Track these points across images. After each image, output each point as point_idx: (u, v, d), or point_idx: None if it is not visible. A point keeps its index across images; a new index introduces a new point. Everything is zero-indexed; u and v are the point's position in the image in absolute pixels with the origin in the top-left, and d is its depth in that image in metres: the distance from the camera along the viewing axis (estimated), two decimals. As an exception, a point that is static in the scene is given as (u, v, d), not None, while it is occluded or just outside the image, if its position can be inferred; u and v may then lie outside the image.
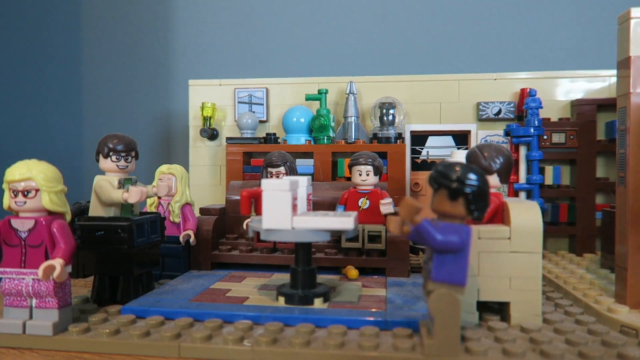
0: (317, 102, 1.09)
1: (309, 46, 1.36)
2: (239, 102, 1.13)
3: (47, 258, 0.56)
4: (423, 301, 0.66)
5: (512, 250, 0.61)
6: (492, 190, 0.68)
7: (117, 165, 0.69)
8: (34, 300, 0.57)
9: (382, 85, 1.10)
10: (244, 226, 0.89)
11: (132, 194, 0.66)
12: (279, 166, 0.86)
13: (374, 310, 0.62)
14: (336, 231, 0.61)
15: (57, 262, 0.55)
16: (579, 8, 1.26)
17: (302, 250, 0.67)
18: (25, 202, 0.56)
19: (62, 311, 0.58)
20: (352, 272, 0.79)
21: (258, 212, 0.68)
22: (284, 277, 0.80)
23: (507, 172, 0.67)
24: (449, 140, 1.11)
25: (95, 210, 0.68)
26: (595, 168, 0.99)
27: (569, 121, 1.01)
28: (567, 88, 1.05)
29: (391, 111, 1.04)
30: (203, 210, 0.92)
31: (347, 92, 1.06)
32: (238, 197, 0.96)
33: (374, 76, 1.11)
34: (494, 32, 1.29)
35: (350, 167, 0.87)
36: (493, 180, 0.67)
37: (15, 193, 0.56)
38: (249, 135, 1.08)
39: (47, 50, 1.52)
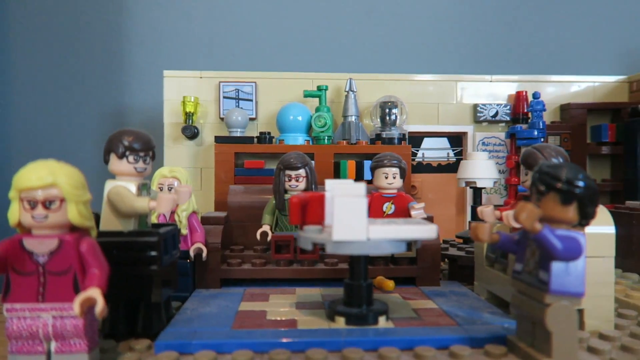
0: (312, 100, 1.02)
1: (301, 39, 1.27)
2: (224, 98, 1.01)
3: (76, 288, 0.43)
4: (487, 313, 0.62)
5: (586, 256, 0.59)
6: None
7: (135, 168, 0.56)
8: (53, 344, 0.44)
9: (378, 83, 1.06)
10: (258, 236, 0.79)
11: (163, 203, 0.54)
12: (298, 168, 0.77)
13: (449, 326, 0.57)
14: (414, 241, 0.55)
15: (96, 293, 0.42)
16: (571, 15, 1.31)
17: (360, 263, 0.59)
18: (46, 216, 0.42)
19: (92, 355, 0.45)
20: (388, 283, 0.73)
21: (308, 220, 0.59)
22: (309, 292, 0.72)
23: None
24: (444, 142, 1.09)
25: (109, 223, 0.55)
26: (586, 170, 1.03)
27: (562, 124, 1.04)
28: (555, 92, 1.08)
29: (394, 111, 0.99)
30: (203, 220, 0.80)
31: (347, 89, 1.00)
32: (241, 203, 0.86)
33: (370, 74, 1.06)
34: (489, 34, 1.30)
35: (373, 169, 0.80)
36: (551, 182, 0.65)
37: (33, 204, 0.42)
38: (238, 134, 0.98)
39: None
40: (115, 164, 0.56)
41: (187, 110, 0.97)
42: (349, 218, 0.52)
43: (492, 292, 0.69)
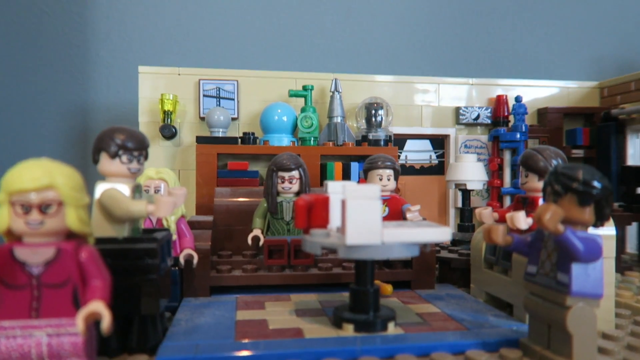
0: (296, 100, 0.99)
1: (284, 37, 1.23)
2: (204, 96, 0.97)
3: (76, 302, 0.39)
4: (491, 316, 0.62)
5: (590, 257, 0.59)
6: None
7: (129, 169, 0.52)
8: (47, 365, 0.39)
9: (361, 85, 1.04)
10: (249, 240, 0.75)
11: (162, 206, 0.50)
12: (292, 169, 0.74)
13: (459, 331, 0.56)
14: (429, 244, 0.53)
15: (100, 307, 0.38)
16: (545, 22, 1.34)
17: (367, 268, 0.57)
18: (42, 222, 0.38)
19: (92, 376, 0.41)
20: (386, 287, 0.71)
21: (314, 223, 0.56)
22: (305, 299, 0.69)
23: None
24: (427, 145, 1.09)
25: (100, 229, 0.50)
26: (563, 172, 1.05)
27: (540, 127, 1.06)
28: (531, 96, 1.10)
29: (380, 112, 0.98)
30: (190, 224, 0.76)
31: (332, 89, 0.98)
32: (228, 206, 0.82)
33: (353, 74, 1.04)
34: (468, 38, 1.31)
35: (366, 171, 0.79)
36: (551, 184, 0.65)
37: (27, 209, 0.37)
38: (220, 134, 0.93)
39: None
40: (106, 164, 0.52)
41: (165, 108, 0.92)
42: (363, 221, 0.50)
43: (491, 294, 0.69)
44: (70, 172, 0.39)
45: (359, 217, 0.50)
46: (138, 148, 0.52)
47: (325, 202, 0.57)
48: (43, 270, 0.38)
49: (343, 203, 0.51)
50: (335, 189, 0.60)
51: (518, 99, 0.99)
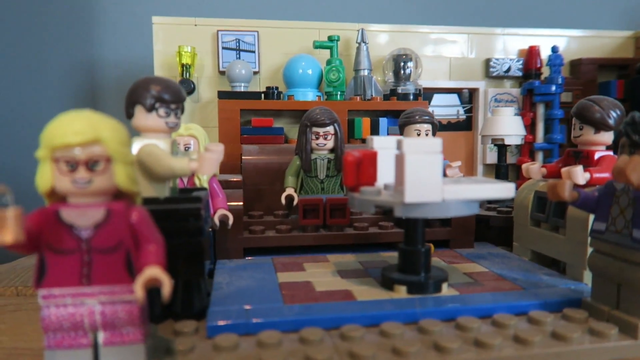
0: (319, 52, 0.93)
1: None
2: (223, 49, 0.91)
3: (129, 268, 0.35)
4: (542, 275, 0.59)
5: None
6: (601, 148, 0.63)
7: (167, 123, 0.48)
8: (101, 335, 0.36)
9: (386, 36, 0.98)
10: (283, 200, 0.72)
11: (206, 163, 0.46)
12: (327, 125, 0.70)
13: (515, 291, 0.53)
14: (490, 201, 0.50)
15: (158, 273, 0.35)
16: None
17: (418, 226, 0.54)
18: (90, 181, 0.34)
19: (147, 346, 0.38)
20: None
21: (363, 181, 0.53)
22: (343, 259, 0.67)
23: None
24: (454, 99, 1.04)
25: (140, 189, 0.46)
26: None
27: (573, 80, 1.01)
28: (564, 47, 1.05)
29: (409, 64, 0.93)
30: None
31: (358, 40, 0.92)
32: (257, 165, 0.78)
33: (379, 24, 0.98)
34: None
35: (402, 126, 0.75)
36: (607, 137, 0.61)
37: (72, 166, 0.33)
38: (242, 89, 0.88)
39: None
40: (141, 118, 0.47)
41: (184, 61, 0.86)
42: (422, 178, 0.47)
43: (536, 253, 0.66)
44: (116, 125, 0.35)
45: (419, 173, 0.47)
46: (175, 100, 0.48)
47: (373, 158, 0.53)
48: (93, 234, 0.35)
49: (400, 158, 0.47)
50: (382, 143, 0.57)
51: (555, 49, 0.94)
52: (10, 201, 0.31)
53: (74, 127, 0.33)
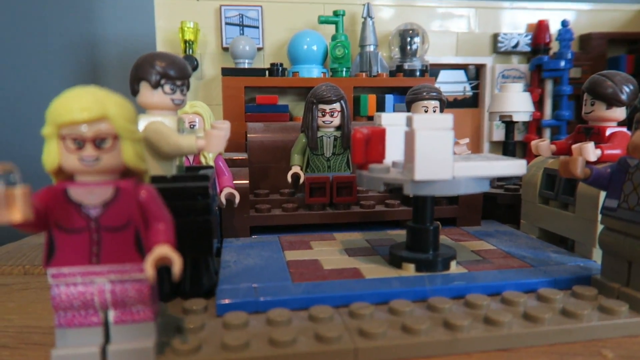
0: (324, 27, 0.91)
1: None
2: (226, 24, 0.89)
3: (139, 246, 0.35)
4: (551, 252, 0.59)
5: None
6: (612, 125, 0.62)
7: (172, 100, 0.47)
8: (111, 313, 0.36)
9: (392, 10, 0.96)
10: (289, 178, 0.71)
11: (214, 140, 0.45)
12: (333, 102, 0.69)
13: (524, 268, 0.53)
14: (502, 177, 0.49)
15: (169, 251, 0.34)
16: None
17: (426, 204, 0.54)
18: (98, 158, 0.33)
19: (157, 324, 0.38)
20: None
21: (371, 158, 0.52)
22: (350, 238, 0.66)
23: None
24: (461, 75, 1.02)
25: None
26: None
27: (582, 55, 1.00)
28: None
29: (415, 39, 0.91)
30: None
31: (364, 15, 0.90)
32: (263, 142, 0.77)
33: (385, -1, 0.96)
34: None
35: (409, 103, 0.73)
36: (619, 113, 0.60)
37: (79, 143, 0.33)
38: (246, 66, 0.87)
39: None
40: (147, 94, 0.47)
41: (186, 38, 0.85)
42: (433, 155, 0.46)
43: (544, 230, 0.66)
44: (122, 102, 0.34)
45: (429, 150, 0.46)
46: (181, 77, 0.47)
47: (382, 135, 0.52)
48: (101, 212, 0.34)
49: (410, 135, 0.47)
50: (391, 120, 0.56)
51: (565, 24, 0.92)
52: (18, 180, 0.30)
53: (81, 104, 0.33)
